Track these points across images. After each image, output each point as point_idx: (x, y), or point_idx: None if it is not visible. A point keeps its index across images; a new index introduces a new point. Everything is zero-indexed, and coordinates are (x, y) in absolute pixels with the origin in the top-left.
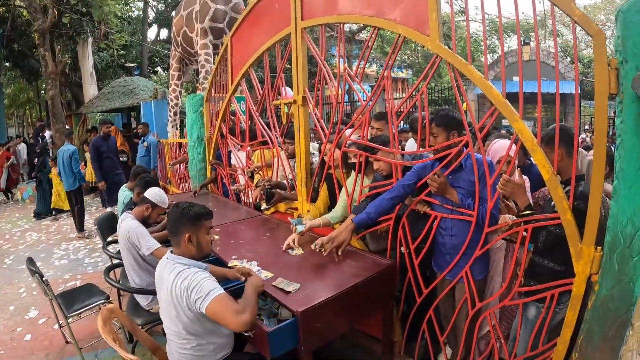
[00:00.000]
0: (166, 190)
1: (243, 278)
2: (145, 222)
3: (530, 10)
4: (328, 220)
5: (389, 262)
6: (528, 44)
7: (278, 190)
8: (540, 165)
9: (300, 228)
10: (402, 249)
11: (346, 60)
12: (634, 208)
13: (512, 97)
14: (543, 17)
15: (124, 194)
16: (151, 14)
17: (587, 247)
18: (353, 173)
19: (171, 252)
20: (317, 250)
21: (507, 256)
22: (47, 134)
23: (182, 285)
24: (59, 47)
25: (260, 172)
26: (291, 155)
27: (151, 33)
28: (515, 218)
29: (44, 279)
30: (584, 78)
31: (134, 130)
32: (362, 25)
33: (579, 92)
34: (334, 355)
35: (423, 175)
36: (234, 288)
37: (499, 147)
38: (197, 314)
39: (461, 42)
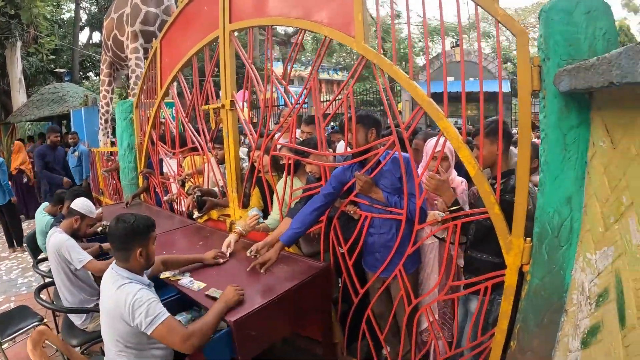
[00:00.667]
0: (99, 202)
1: (221, 261)
2: (75, 235)
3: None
4: (267, 226)
5: (323, 264)
6: (457, 45)
7: (209, 197)
8: (466, 162)
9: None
10: (337, 250)
11: (280, 63)
12: (559, 199)
13: (440, 97)
14: (471, 20)
15: (44, 219)
16: (83, 17)
17: (516, 239)
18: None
19: (117, 263)
20: (253, 256)
21: (441, 253)
22: None
23: (126, 300)
24: None
25: (192, 180)
26: (221, 161)
27: (83, 36)
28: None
29: None
30: (514, 77)
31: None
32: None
33: (510, 90)
34: None
35: (344, 179)
36: (171, 300)
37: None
38: (137, 330)
39: (397, 45)
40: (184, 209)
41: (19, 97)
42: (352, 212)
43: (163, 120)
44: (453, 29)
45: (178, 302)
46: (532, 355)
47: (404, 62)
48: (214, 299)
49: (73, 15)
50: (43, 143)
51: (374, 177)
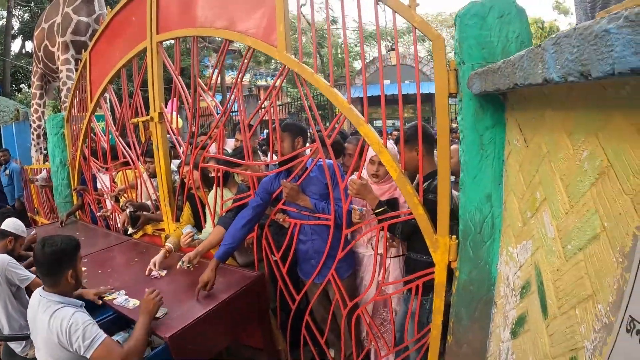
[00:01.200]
0: (34, 222)
1: (100, 301)
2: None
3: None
4: (201, 240)
5: (257, 273)
6: (394, 49)
7: (143, 212)
8: (388, 166)
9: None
10: (270, 258)
11: (213, 71)
12: (479, 197)
13: (377, 100)
14: (408, 25)
15: None
16: (16, 25)
17: (442, 237)
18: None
19: (43, 289)
20: (185, 267)
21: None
22: None
23: (61, 326)
24: None
25: (125, 195)
26: (153, 175)
27: (15, 46)
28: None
29: None
30: None
31: None
32: None
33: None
34: None
35: (271, 188)
36: (107, 320)
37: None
38: (76, 355)
39: (338, 50)
40: (119, 225)
41: None
42: (281, 220)
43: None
44: (388, 33)
45: (115, 321)
46: (468, 347)
47: (341, 68)
48: None
49: (4, 23)
50: None
51: (302, 185)
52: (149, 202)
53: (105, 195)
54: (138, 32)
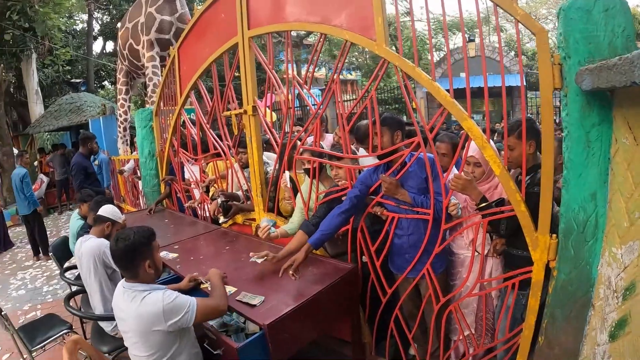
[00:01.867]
0: (121, 209)
1: (192, 284)
2: None
3: (473, 8)
4: (286, 231)
5: (351, 266)
6: (473, 40)
7: (234, 202)
8: (491, 161)
9: (273, 230)
10: (363, 257)
11: (295, 66)
12: (583, 196)
13: (459, 93)
14: (487, 14)
15: (77, 223)
16: (96, 27)
17: (542, 236)
18: (307, 179)
19: (126, 281)
20: (263, 260)
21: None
22: None
23: (155, 309)
24: (1, 65)
25: (215, 185)
26: (245, 165)
27: (96, 46)
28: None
29: (2, 313)
30: (528, 70)
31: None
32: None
33: (525, 84)
34: None
35: (370, 182)
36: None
37: (472, 147)
38: (170, 334)
39: (408, 42)
40: (207, 215)
41: (36, 108)
42: (379, 213)
43: (184, 130)
44: (465, 24)
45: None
46: (560, 349)
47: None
48: (247, 304)
49: (85, 26)
50: (57, 153)
51: (400, 179)
52: (239, 193)
53: (192, 185)
54: (228, 28)
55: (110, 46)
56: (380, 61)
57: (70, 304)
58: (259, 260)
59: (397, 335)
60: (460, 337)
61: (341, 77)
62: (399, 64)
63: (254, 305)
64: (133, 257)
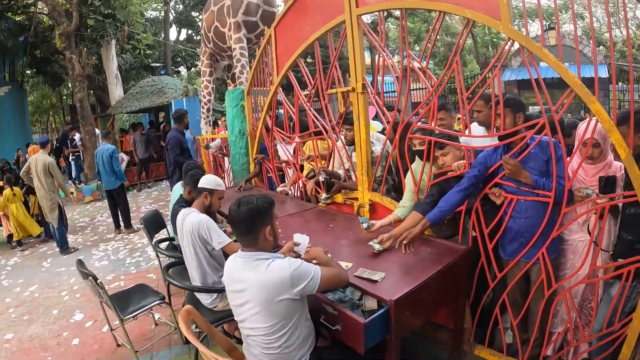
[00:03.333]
0: None
1: (292, 255)
2: (209, 213)
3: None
4: (398, 216)
5: (464, 247)
6: (553, 28)
7: (336, 180)
8: (618, 145)
9: (365, 225)
10: (477, 234)
11: (369, 53)
12: None
13: (528, 83)
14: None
15: (180, 190)
16: (170, 15)
17: None
18: (418, 160)
19: (242, 250)
20: (376, 250)
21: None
22: (77, 136)
23: (282, 275)
24: (85, 49)
25: (312, 163)
26: (349, 142)
27: (171, 34)
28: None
29: (98, 281)
30: (610, 62)
31: (167, 128)
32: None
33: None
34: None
35: (489, 163)
36: None
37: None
38: (298, 301)
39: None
40: (299, 195)
41: (115, 91)
42: (497, 194)
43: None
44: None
45: None
46: None
47: (489, 48)
48: (368, 280)
49: (162, 14)
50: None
51: (521, 161)
52: (340, 171)
53: (285, 165)
54: (332, 6)
55: (183, 34)
56: (504, 43)
57: (154, 275)
58: (377, 247)
59: (501, 322)
60: (568, 326)
61: (417, 65)
62: (526, 44)
63: (376, 281)
64: (255, 222)
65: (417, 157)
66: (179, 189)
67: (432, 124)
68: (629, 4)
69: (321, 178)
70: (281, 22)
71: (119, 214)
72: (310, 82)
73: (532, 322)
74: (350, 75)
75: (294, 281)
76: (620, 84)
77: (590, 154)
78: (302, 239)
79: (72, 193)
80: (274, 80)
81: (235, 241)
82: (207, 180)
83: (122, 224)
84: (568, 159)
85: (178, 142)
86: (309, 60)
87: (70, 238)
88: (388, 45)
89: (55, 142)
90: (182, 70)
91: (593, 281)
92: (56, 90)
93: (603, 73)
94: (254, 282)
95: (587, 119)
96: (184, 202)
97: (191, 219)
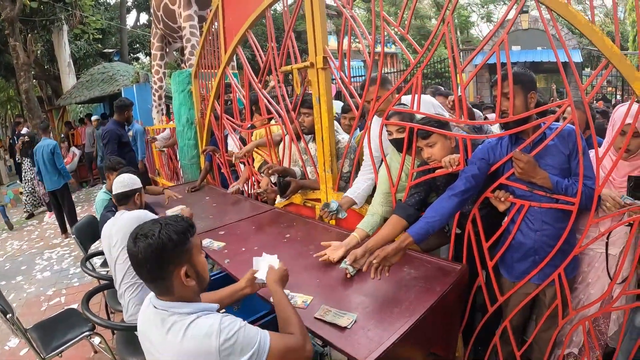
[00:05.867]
0: (155, 183)
1: (257, 287)
2: None
3: None
4: (366, 233)
5: (459, 267)
6: (526, 12)
7: (292, 178)
8: None
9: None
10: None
11: (333, 36)
12: None
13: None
14: None
15: (103, 197)
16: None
17: None
18: (394, 151)
19: (157, 297)
20: (348, 271)
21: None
22: (24, 130)
23: (203, 349)
24: (29, 35)
25: (262, 152)
26: (308, 130)
27: (130, 19)
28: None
29: (8, 316)
30: (584, 46)
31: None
32: None
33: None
34: None
35: (491, 159)
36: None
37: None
38: None
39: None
40: (259, 191)
41: (68, 80)
42: (502, 199)
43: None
44: None
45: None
46: None
47: (459, 32)
48: (334, 325)
49: None
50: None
51: (536, 156)
52: (296, 168)
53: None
54: None
55: (144, 18)
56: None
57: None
58: (352, 271)
59: (500, 352)
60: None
61: (387, 50)
62: (548, 2)
63: (344, 328)
64: (161, 264)
65: (393, 149)
66: (103, 197)
67: (415, 105)
68: None
69: (273, 179)
70: None
71: (65, 216)
72: (262, 58)
73: (539, 353)
74: (309, 48)
75: (227, 354)
76: (588, 69)
77: (629, 146)
78: (263, 263)
79: (20, 193)
80: (221, 60)
81: None
82: (130, 179)
83: (68, 227)
84: (598, 153)
85: (115, 136)
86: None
87: (16, 244)
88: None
89: (8, 139)
90: (142, 56)
91: (622, 308)
92: (12, 82)
93: (577, 58)
94: (166, 350)
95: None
96: (114, 207)
97: (126, 219)
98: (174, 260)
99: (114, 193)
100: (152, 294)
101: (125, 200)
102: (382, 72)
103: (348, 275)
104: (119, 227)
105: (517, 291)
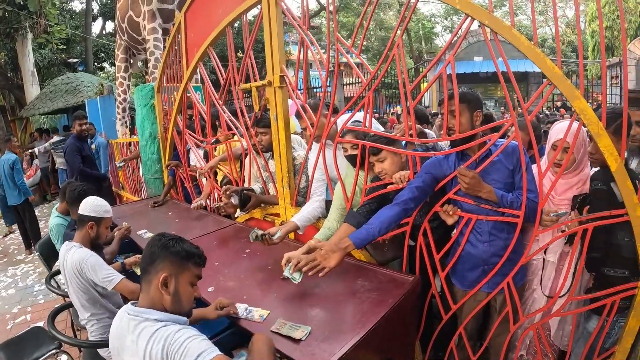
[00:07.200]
0: (119, 197)
1: (224, 312)
2: (95, 245)
3: None
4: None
5: (411, 278)
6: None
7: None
8: (608, 154)
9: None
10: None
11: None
12: None
13: (469, 78)
14: None
15: (55, 221)
16: (95, 7)
17: None
18: (349, 167)
19: (133, 304)
20: (285, 275)
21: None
22: None
23: (159, 351)
24: None
25: (224, 168)
26: (266, 148)
27: (96, 27)
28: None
29: None
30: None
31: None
32: (318, 9)
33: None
34: None
35: (438, 173)
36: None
37: (561, 129)
38: None
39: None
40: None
41: (32, 90)
42: (451, 212)
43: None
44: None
45: (232, 336)
46: None
47: (423, 42)
48: (288, 338)
49: (84, 6)
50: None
51: (482, 172)
52: (256, 186)
53: (198, 174)
54: None
55: (110, 27)
56: (461, 22)
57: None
58: (297, 278)
59: (456, 357)
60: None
61: (345, 60)
62: (489, 23)
63: (299, 340)
64: (153, 260)
65: (348, 165)
66: (57, 221)
67: (367, 123)
68: (559, 2)
69: (234, 201)
70: (192, 6)
71: (28, 232)
72: (222, 75)
73: (495, 356)
74: (267, 67)
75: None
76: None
77: (559, 159)
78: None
79: None
80: (183, 75)
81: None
82: (92, 206)
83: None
84: (537, 167)
85: (74, 150)
86: (239, 54)
87: None
88: (320, 39)
89: None
90: (107, 66)
91: (570, 313)
92: None
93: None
94: (136, 352)
95: (560, 118)
96: (75, 225)
97: (71, 257)
98: (165, 262)
99: (79, 212)
100: (128, 305)
101: (82, 224)
102: (347, 82)
103: (296, 283)
104: (65, 268)
105: (469, 299)
